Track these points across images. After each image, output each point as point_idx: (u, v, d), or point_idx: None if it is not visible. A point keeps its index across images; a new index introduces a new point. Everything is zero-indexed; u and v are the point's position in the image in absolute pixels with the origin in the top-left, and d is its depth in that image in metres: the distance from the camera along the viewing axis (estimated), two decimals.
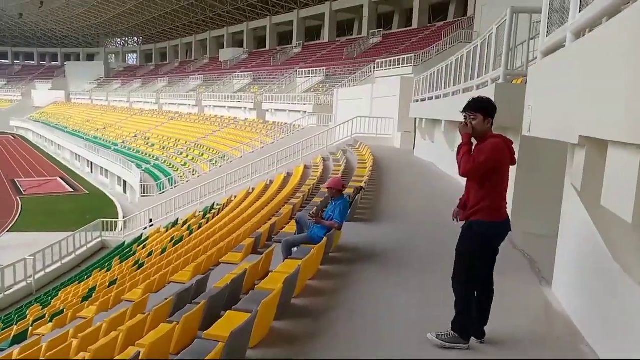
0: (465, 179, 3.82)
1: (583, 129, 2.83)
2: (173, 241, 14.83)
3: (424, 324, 4.23)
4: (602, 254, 3.48)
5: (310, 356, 3.68)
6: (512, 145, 3.74)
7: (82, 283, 14.41)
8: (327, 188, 6.28)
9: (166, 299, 5.77)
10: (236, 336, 3.04)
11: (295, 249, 5.91)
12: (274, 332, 3.90)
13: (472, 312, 3.73)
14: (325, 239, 5.44)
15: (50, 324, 9.15)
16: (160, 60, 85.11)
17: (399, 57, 29.97)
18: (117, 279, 11.71)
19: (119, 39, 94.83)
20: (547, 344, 3.92)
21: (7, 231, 27.33)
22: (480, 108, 3.64)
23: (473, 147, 3.64)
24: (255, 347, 3.60)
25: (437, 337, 3.76)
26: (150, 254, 14.26)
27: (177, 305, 5.53)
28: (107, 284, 11.51)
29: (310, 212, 6.16)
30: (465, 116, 3.68)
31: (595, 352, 3.64)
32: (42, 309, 12.52)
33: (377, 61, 32.64)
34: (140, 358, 3.50)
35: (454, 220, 4.03)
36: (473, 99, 3.75)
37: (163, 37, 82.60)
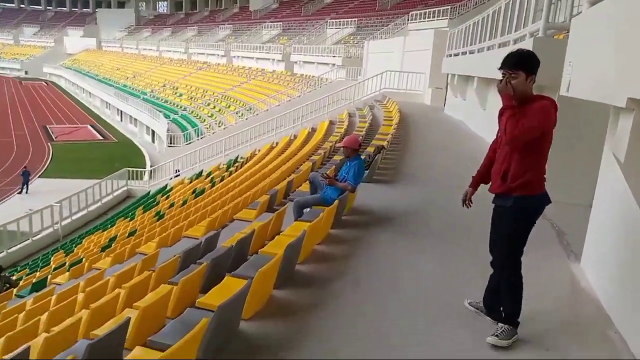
0: (489, 146, 3.40)
1: (633, 90, 2.38)
2: (195, 193, 14.80)
3: (439, 296, 3.96)
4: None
5: (311, 327, 3.44)
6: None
7: (106, 231, 14.60)
8: (342, 147, 5.90)
9: (175, 255, 5.61)
10: (224, 309, 2.80)
11: (308, 209, 5.63)
12: (273, 301, 3.66)
13: (521, 296, 3.32)
14: (337, 201, 5.13)
15: (68, 273, 9.24)
16: (190, 9, 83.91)
17: (434, 9, 28.61)
18: (137, 229, 11.75)
19: None
20: (572, 327, 3.58)
21: (38, 177, 27.94)
22: (522, 64, 3.05)
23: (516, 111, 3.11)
24: (250, 318, 3.36)
25: (498, 338, 3.25)
26: (172, 205, 14.28)
27: (185, 264, 5.38)
28: (127, 234, 11.57)
29: (324, 173, 5.83)
30: (503, 74, 3.11)
31: (624, 340, 3.29)
32: (65, 256, 12.74)
33: (411, 13, 31.31)
34: (131, 323, 3.32)
35: (464, 206, 3.58)
36: (512, 53, 3.15)
37: None
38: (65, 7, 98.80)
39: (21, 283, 10.34)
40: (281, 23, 51.21)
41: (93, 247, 11.81)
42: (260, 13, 59.69)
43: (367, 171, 7.36)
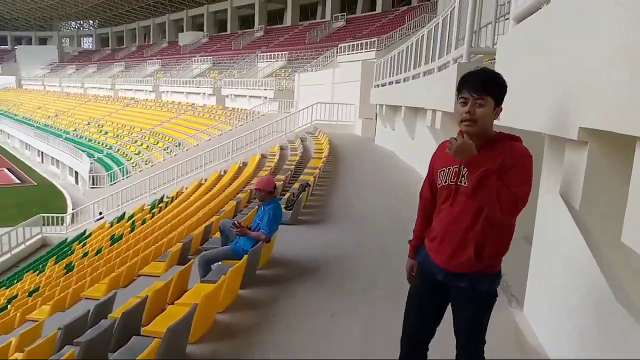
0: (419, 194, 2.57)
1: (588, 118, 1.83)
2: (112, 240, 13.52)
3: None
4: (593, 276, 2.56)
5: None
6: None
7: (9, 289, 12.95)
8: (255, 189, 5.12)
9: (55, 330, 4.61)
10: None
11: (219, 263, 4.81)
12: None
13: None
14: (246, 255, 4.35)
15: None
16: (117, 45, 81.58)
17: (362, 41, 28.98)
18: (40, 287, 10.36)
19: (74, 22, 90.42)
20: None
21: None
22: (492, 87, 2.15)
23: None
24: None
25: None
26: (85, 255, 12.91)
27: (65, 342, 4.39)
28: (28, 292, 10.14)
29: (235, 221, 5.02)
30: (462, 100, 2.16)
31: None
32: None
33: (340, 46, 31.60)
34: None
35: (410, 279, 2.66)
36: (477, 71, 2.22)
37: (120, 20, 79.06)
38: None
39: None
40: (211, 57, 50.50)
41: None
42: (190, 47, 58.80)
43: (291, 211, 6.67)
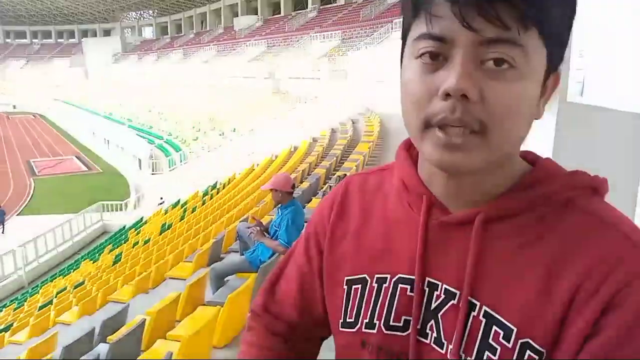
0: None
1: None
2: (161, 229, 13.37)
3: None
4: None
5: None
6: None
7: (65, 277, 13.13)
8: (270, 190, 4.13)
9: (48, 355, 4.12)
10: None
11: (234, 276, 4.13)
12: None
13: None
14: (260, 268, 3.63)
15: None
16: (175, 33, 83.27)
17: None
18: (84, 280, 10.25)
19: (134, 13, 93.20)
20: None
21: (16, 215, 26.43)
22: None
23: None
24: None
25: None
26: (135, 245, 12.83)
27: None
28: (73, 286, 10.05)
29: (253, 216, 4.19)
30: (424, 45, 0.56)
31: None
32: (13, 310, 11.24)
33: (394, 21, 30.19)
34: None
35: None
36: None
37: (178, 8, 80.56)
38: (51, 38, 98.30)
39: None
40: (265, 40, 50.22)
41: (37, 303, 10.29)
42: (245, 32, 58.81)
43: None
